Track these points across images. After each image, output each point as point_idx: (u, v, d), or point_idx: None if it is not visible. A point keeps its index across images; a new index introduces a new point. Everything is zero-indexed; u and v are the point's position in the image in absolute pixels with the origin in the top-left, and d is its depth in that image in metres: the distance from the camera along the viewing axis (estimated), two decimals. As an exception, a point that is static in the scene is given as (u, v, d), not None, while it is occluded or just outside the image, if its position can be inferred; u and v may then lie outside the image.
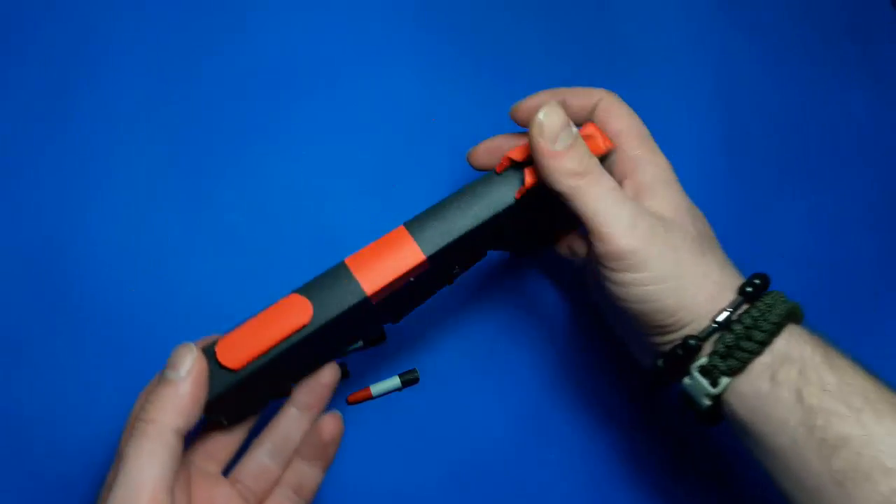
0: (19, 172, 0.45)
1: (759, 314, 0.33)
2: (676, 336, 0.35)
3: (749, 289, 0.34)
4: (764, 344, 0.33)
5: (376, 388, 0.45)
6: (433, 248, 0.34)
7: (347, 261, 0.34)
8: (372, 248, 0.34)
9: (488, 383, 0.47)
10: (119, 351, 0.44)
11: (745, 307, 0.34)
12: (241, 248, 0.46)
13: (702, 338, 0.34)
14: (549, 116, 0.34)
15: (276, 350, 0.33)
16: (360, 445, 0.45)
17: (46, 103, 0.46)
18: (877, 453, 0.30)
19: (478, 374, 0.47)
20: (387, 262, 0.34)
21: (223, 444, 0.36)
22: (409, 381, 0.45)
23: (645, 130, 0.38)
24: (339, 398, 0.45)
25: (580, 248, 0.42)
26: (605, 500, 0.47)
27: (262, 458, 0.36)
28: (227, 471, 0.36)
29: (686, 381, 0.35)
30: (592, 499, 0.47)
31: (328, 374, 0.36)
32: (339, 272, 0.34)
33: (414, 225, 0.35)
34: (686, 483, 0.47)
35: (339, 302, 0.33)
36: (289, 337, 0.33)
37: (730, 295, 0.34)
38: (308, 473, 0.36)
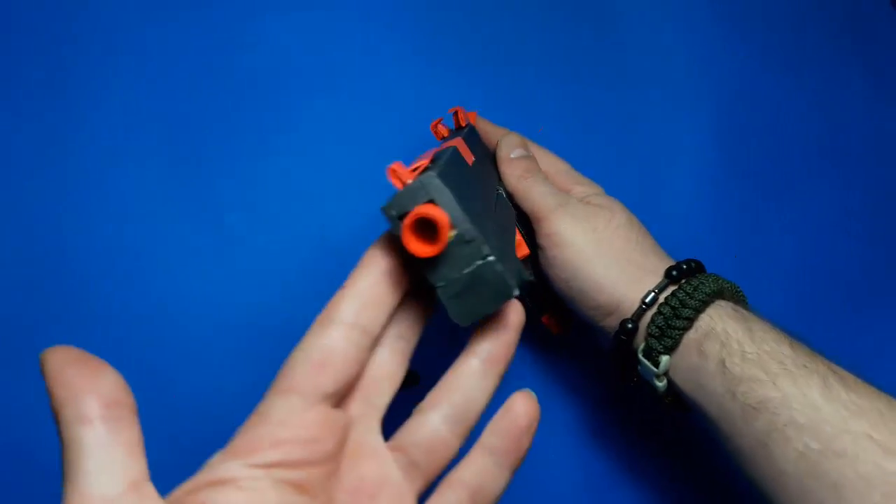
0: (21, 174, 0.45)
1: (684, 295, 0.36)
2: (616, 321, 0.37)
3: (674, 272, 0.37)
4: (690, 320, 0.35)
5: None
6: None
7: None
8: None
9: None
10: (119, 351, 0.44)
11: (672, 288, 0.37)
12: (241, 249, 0.46)
13: (634, 319, 0.37)
14: (507, 137, 0.43)
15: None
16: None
17: (48, 105, 0.46)
18: (791, 412, 0.32)
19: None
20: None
21: (379, 385, 0.27)
22: (409, 381, 0.45)
23: (564, 165, 0.44)
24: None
25: None
26: (603, 497, 0.47)
27: (437, 424, 0.27)
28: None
29: (639, 367, 0.37)
30: (591, 497, 0.47)
31: (515, 315, 0.28)
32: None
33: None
34: (675, 468, 0.47)
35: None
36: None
37: (656, 279, 0.37)
38: (492, 473, 0.27)
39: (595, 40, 0.52)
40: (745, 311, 0.36)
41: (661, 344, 0.36)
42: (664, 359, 0.36)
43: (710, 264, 0.50)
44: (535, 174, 0.41)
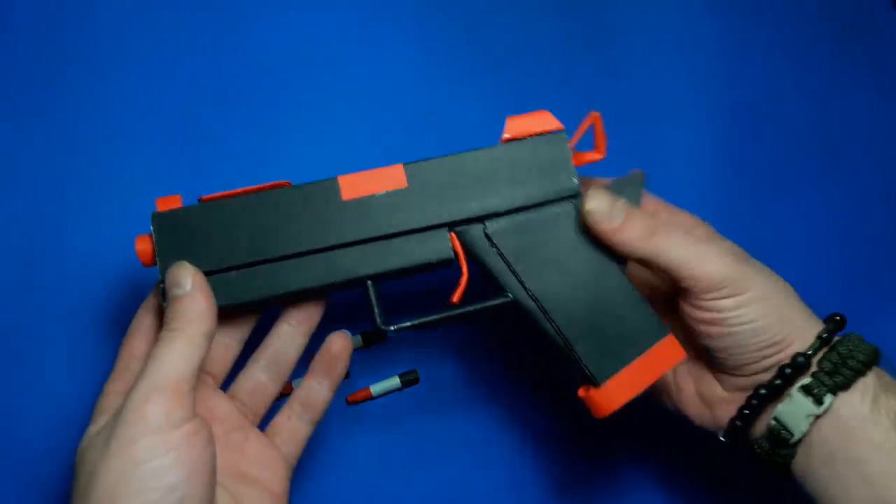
0: (18, 172, 0.45)
1: (856, 338, 0.35)
2: (780, 358, 0.35)
3: (837, 317, 0.37)
4: (867, 364, 0.34)
5: (376, 388, 0.45)
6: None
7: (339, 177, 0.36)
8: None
9: (488, 383, 0.47)
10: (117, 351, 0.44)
11: (837, 337, 0.36)
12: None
13: (810, 354, 0.35)
14: (594, 201, 0.36)
15: (239, 198, 0.35)
16: (359, 445, 0.45)
17: (45, 102, 0.46)
18: None
19: (478, 374, 0.47)
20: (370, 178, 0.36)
21: (219, 360, 0.37)
22: (409, 381, 0.45)
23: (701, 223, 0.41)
24: (338, 398, 0.45)
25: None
26: (602, 494, 0.47)
27: (257, 374, 0.37)
28: (224, 387, 0.37)
29: (780, 407, 0.35)
30: (590, 496, 0.47)
31: (338, 342, 0.38)
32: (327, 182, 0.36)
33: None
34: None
35: (314, 183, 0.35)
36: (260, 191, 0.35)
37: (820, 323, 0.36)
38: (316, 390, 0.38)
39: (599, 37, 0.52)
40: None
41: (832, 380, 0.34)
42: (829, 398, 0.34)
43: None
44: (659, 228, 0.36)
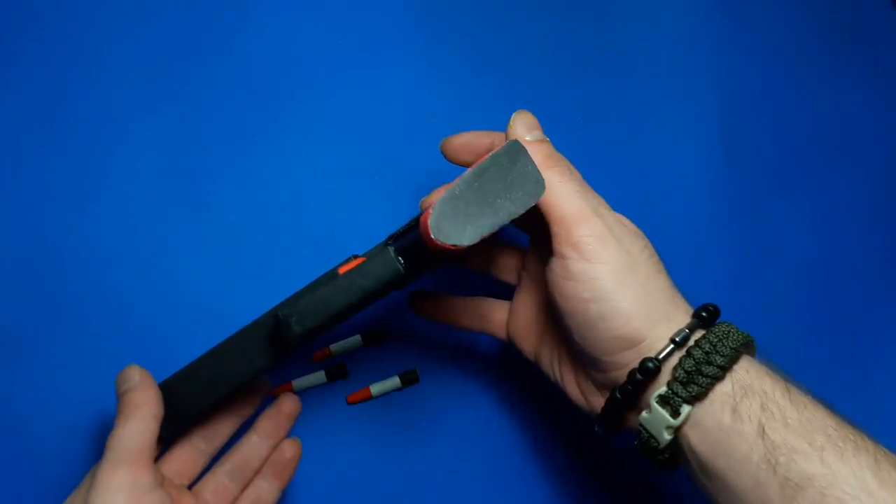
0: (18, 173, 0.45)
1: (716, 339, 0.33)
2: (632, 357, 0.34)
3: (704, 314, 0.34)
4: (724, 369, 0.32)
5: (376, 388, 0.45)
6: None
7: None
8: None
9: (488, 383, 0.47)
10: (118, 352, 0.44)
11: (701, 332, 0.33)
12: (240, 249, 0.46)
13: (660, 359, 0.33)
14: (520, 115, 0.38)
15: None
16: (359, 445, 0.45)
17: (45, 102, 0.46)
18: (840, 494, 0.29)
19: (477, 373, 0.47)
20: None
21: (190, 461, 0.39)
22: (409, 381, 0.45)
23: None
24: (338, 398, 0.45)
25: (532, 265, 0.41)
26: (603, 491, 0.47)
27: (221, 477, 0.39)
28: (192, 486, 0.40)
29: (644, 415, 0.33)
30: (591, 494, 0.47)
31: (288, 405, 0.41)
32: None
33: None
34: None
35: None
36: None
37: (684, 318, 0.34)
38: (266, 490, 0.40)
39: (598, 37, 0.52)
40: (777, 369, 0.33)
41: (686, 391, 0.32)
42: (686, 409, 0.32)
43: (713, 262, 0.50)
44: (561, 165, 0.36)
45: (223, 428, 0.40)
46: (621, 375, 0.34)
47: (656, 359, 0.33)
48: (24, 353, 0.43)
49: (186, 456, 0.39)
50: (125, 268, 0.45)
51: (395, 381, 0.45)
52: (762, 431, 0.30)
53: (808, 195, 0.53)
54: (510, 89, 0.50)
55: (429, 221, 0.31)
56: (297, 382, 0.44)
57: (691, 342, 0.33)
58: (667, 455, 0.34)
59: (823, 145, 0.54)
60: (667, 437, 0.33)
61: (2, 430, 0.42)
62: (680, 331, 0.33)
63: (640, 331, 0.33)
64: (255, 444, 0.40)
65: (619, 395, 0.34)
